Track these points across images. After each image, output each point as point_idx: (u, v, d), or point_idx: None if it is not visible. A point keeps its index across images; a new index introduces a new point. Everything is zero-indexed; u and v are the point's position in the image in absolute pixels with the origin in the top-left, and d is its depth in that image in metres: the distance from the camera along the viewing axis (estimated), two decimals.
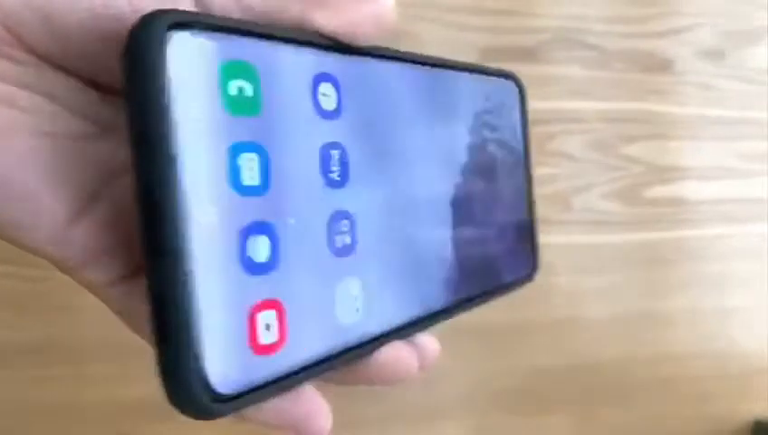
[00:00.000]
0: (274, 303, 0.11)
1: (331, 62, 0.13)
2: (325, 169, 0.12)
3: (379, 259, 0.14)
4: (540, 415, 0.31)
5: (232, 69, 0.11)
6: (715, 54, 0.31)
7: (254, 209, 0.11)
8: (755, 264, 0.32)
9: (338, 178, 0.13)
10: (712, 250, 0.31)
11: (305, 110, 0.12)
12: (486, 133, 0.17)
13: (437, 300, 0.15)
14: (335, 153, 0.12)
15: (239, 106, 0.11)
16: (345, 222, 0.13)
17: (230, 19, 0.11)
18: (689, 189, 0.31)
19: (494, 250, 0.17)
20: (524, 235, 0.18)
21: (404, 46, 0.24)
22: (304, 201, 0.12)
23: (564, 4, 0.29)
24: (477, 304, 0.17)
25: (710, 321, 0.32)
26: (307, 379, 0.12)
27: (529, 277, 0.18)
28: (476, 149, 0.17)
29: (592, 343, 0.31)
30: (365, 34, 0.14)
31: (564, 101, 0.30)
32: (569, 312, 0.31)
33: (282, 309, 0.11)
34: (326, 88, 0.12)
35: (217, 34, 0.11)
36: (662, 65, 0.31)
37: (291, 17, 0.13)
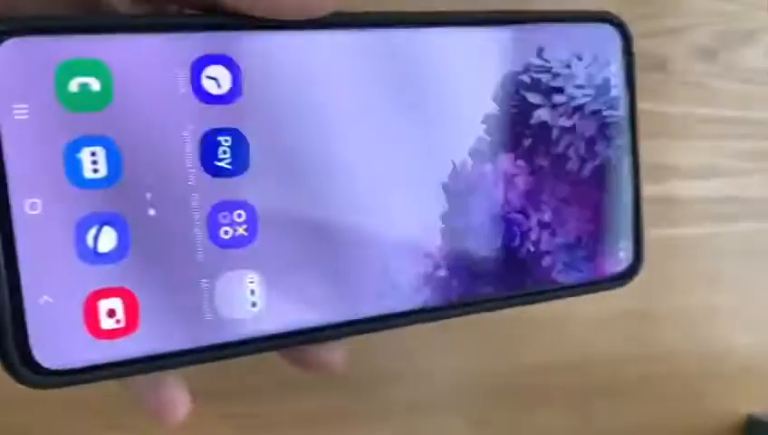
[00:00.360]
0: (121, 291, 0.11)
1: (229, 42, 0.12)
2: (208, 157, 0.12)
3: (295, 254, 0.13)
4: (533, 411, 0.31)
5: (72, 67, 0.11)
6: (708, 54, 0.31)
7: (97, 201, 0.11)
8: (746, 262, 0.32)
9: (229, 167, 0.12)
10: (703, 249, 0.31)
11: (178, 96, 0.12)
12: (532, 97, 0.14)
13: (406, 299, 0.14)
14: (225, 140, 0.12)
15: (82, 102, 0.11)
16: (239, 212, 0.12)
17: (75, 17, 0.11)
18: (680, 188, 0.31)
19: (538, 242, 0.15)
20: (615, 223, 0.16)
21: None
22: (171, 191, 0.11)
23: (560, 4, 0.30)
24: (513, 304, 0.15)
25: (701, 319, 0.33)
26: (170, 367, 0.12)
27: (628, 275, 0.16)
28: (500, 119, 0.14)
29: (584, 341, 0.32)
30: (285, 12, 0.12)
31: None
32: (561, 309, 0.31)
33: (131, 297, 0.11)
34: (215, 71, 0.12)
35: (56, 36, 0.11)
36: (656, 64, 0.31)
37: None
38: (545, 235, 0.15)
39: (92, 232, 0.11)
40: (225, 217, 0.12)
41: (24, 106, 0.10)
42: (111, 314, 0.11)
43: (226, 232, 0.12)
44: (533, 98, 0.15)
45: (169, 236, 0.12)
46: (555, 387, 0.32)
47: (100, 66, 0.11)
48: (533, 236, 0.15)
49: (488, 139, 0.14)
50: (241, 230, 0.12)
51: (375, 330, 0.14)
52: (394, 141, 0.13)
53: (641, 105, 0.32)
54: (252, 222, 0.12)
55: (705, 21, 0.31)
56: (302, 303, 0.13)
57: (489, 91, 0.14)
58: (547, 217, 0.15)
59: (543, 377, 0.31)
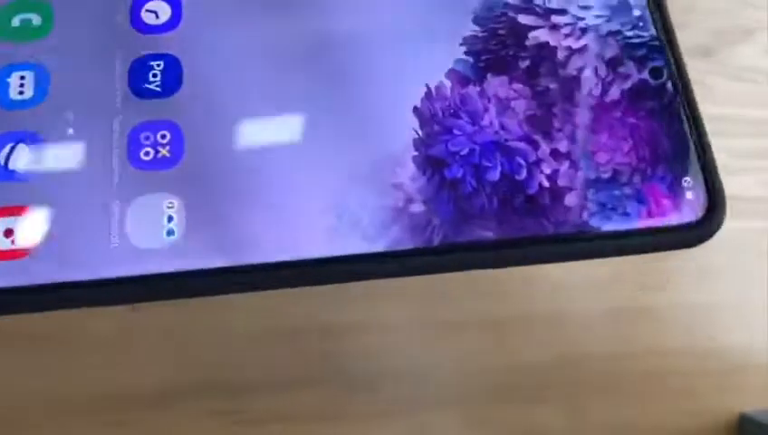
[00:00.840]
0: (22, 209, 0.11)
1: None
2: (137, 80, 0.12)
3: (224, 180, 0.12)
4: (530, 407, 0.31)
5: (16, 7, 0.12)
6: (705, 52, 0.31)
7: (16, 121, 0.11)
8: (740, 260, 0.32)
9: (158, 89, 0.12)
10: (699, 246, 0.31)
11: (114, 26, 0.12)
12: (523, 19, 0.13)
13: (369, 239, 0.12)
14: (158, 64, 0.12)
15: (22, 35, 0.12)
16: (163, 133, 0.12)
17: None
18: None
19: (554, 175, 0.12)
20: (669, 157, 0.13)
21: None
22: (94, 111, 0.12)
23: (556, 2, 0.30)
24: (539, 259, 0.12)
25: (696, 316, 0.33)
26: (67, 304, 0.11)
27: (701, 224, 0.13)
28: (485, 40, 0.13)
29: (580, 337, 0.32)
30: None
31: None
32: (557, 306, 0.31)
33: (32, 218, 0.11)
34: (155, 5, 0.12)
35: None
36: None
37: None
38: (564, 167, 0.12)
39: (6, 149, 0.11)
40: (147, 137, 0.12)
41: None
42: (8, 233, 0.11)
43: (147, 153, 0.12)
44: (525, 19, 0.13)
45: (86, 155, 0.11)
46: (552, 385, 0.32)
47: (42, 4, 0.12)
48: (547, 169, 0.12)
49: (470, 60, 0.13)
50: (164, 152, 0.12)
51: (327, 279, 0.12)
52: (348, 67, 0.13)
53: None
54: (177, 143, 0.12)
55: (702, 18, 0.31)
56: (229, 235, 0.11)
57: (467, 14, 0.13)
58: (564, 146, 0.12)
59: (541, 375, 0.31)
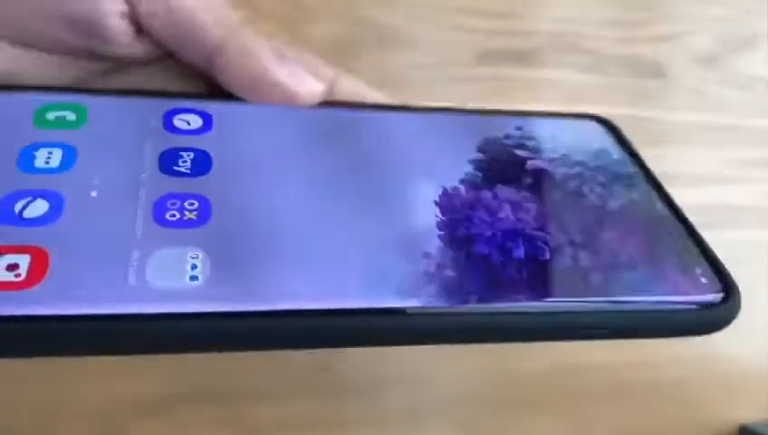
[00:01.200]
0: (32, 249, 0.11)
1: (207, 102, 0.14)
2: (167, 163, 0.13)
3: (253, 236, 0.12)
4: (528, 415, 0.31)
5: (53, 106, 0.13)
6: (709, 61, 0.31)
7: (38, 182, 0.12)
8: (741, 270, 0.32)
9: (187, 172, 0.13)
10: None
11: (148, 128, 0.13)
12: (520, 152, 0.15)
13: (403, 294, 0.12)
14: (188, 154, 0.13)
15: (54, 126, 0.13)
16: (191, 201, 0.12)
17: (54, 87, 0.14)
18: (678, 195, 0.31)
19: (576, 257, 0.13)
20: (674, 253, 0.14)
21: (401, 50, 0.24)
22: (120, 180, 0.12)
23: (560, 8, 0.30)
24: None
25: None
26: (76, 343, 0.10)
27: (723, 304, 0.14)
28: (489, 162, 0.15)
29: (579, 345, 0.31)
30: (262, 99, 0.14)
31: (558, 105, 0.30)
32: None
33: (42, 256, 0.11)
34: (188, 117, 0.14)
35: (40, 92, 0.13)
36: (656, 71, 0.31)
37: (198, 55, 0.14)
38: (583, 253, 0.13)
39: (22, 202, 0.11)
40: (174, 203, 0.12)
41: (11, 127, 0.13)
42: (12, 268, 0.10)
43: (173, 215, 0.12)
44: (522, 152, 0.15)
45: (108, 211, 0.12)
46: (552, 393, 0.32)
47: (78, 105, 0.13)
48: (568, 252, 0.13)
49: (479, 174, 0.14)
50: (190, 215, 0.12)
51: (368, 339, 0.12)
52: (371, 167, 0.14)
53: (639, 111, 0.32)
54: (205, 209, 0.12)
55: (704, 27, 0.31)
56: (255, 280, 0.11)
57: (473, 145, 0.15)
58: (579, 238, 0.13)
59: (540, 383, 0.31)
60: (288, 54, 0.15)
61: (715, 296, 0.14)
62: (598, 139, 0.17)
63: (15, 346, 0.10)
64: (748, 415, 0.33)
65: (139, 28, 0.13)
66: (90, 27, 0.13)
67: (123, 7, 0.13)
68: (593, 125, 0.17)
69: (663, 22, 0.31)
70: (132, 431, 0.28)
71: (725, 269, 0.14)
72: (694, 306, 0.13)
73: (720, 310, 0.14)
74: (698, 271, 0.14)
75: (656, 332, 0.13)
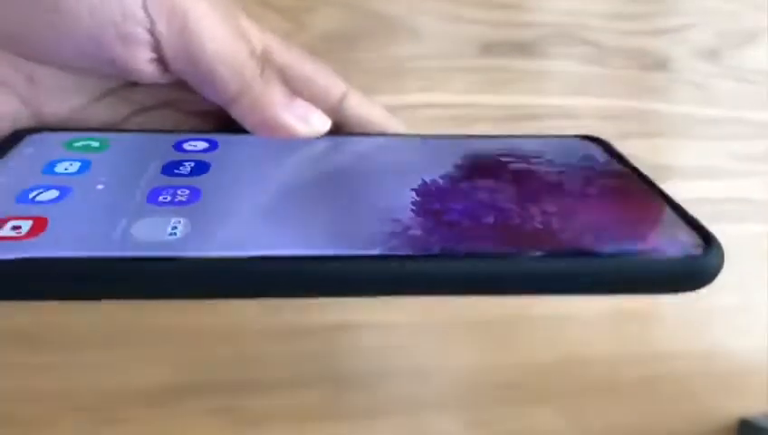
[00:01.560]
0: (34, 217, 0.13)
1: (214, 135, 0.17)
2: (169, 169, 0.15)
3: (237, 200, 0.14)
4: (530, 409, 0.31)
5: (81, 138, 0.16)
6: (711, 54, 0.31)
7: (55, 181, 0.14)
8: (743, 264, 0.32)
9: (186, 173, 0.15)
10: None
11: (158, 149, 0.16)
12: (503, 158, 0.16)
13: (368, 245, 0.13)
14: (189, 163, 0.15)
15: (79, 150, 0.16)
16: (183, 190, 0.14)
17: (85, 129, 0.17)
18: (680, 188, 0.31)
19: (548, 222, 0.14)
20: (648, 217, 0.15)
21: (403, 40, 0.24)
22: (124, 181, 0.14)
23: (563, 0, 0.29)
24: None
25: (698, 319, 0.33)
26: (69, 283, 0.12)
27: (702, 259, 0.14)
28: (470, 164, 0.16)
29: (582, 340, 0.32)
30: (277, 134, 0.17)
31: (560, 98, 0.30)
32: (559, 308, 0.31)
33: (42, 220, 0.13)
34: (195, 143, 0.16)
35: (70, 132, 0.16)
36: (658, 63, 0.31)
37: (225, 97, 0.16)
38: (555, 218, 0.14)
39: (36, 191, 0.14)
40: (167, 190, 0.14)
41: (45, 150, 0.15)
42: (16, 228, 0.12)
43: (165, 198, 0.14)
44: (506, 158, 0.16)
45: (107, 194, 0.14)
46: (552, 386, 0.32)
47: (102, 138, 0.16)
48: (539, 218, 0.14)
49: (459, 173, 0.15)
50: (181, 198, 0.14)
51: (334, 284, 0.12)
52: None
53: (642, 104, 0.32)
54: (195, 194, 0.14)
55: (707, 20, 0.31)
56: (229, 235, 0.13)
57: (458, 157, 0.16)
58: (553, 208, 0.14)
59: (541, 376, 0.31)
60: (307, 68, 0.18)
61: (696, 249, 0.14)
62: (586, 150, 0.17)
63: (12, 287, 0.12)
64: (749, 409, 0.33)
65: (166, 67, 0.16)
66: (126, 69, 0.16)
67: (154, 55, 0.15)
68: (584, 143, 0.18)
69: (666, 14, 0.31)
70: (131, 421, 0.28)
71: (705, 227, 0.14)
72: (674, 258, 0.14)
73: (701, 261, 0.14)
74: (677, 231, 0.14)
75: (636, 284, 0.13)
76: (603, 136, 0.32)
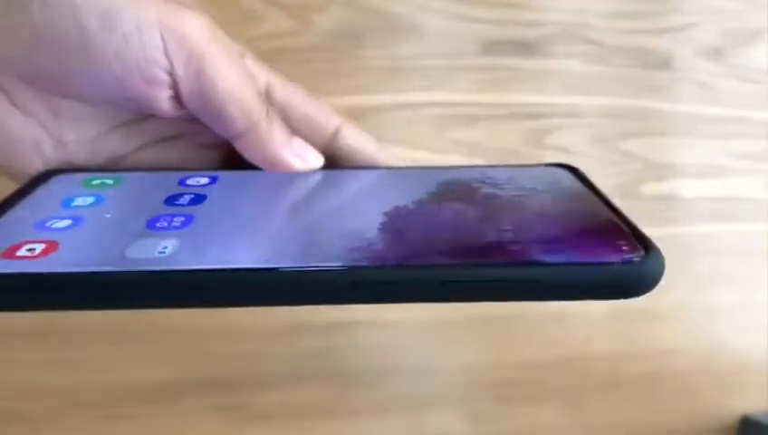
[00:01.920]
0: (47, 241, 0.15)
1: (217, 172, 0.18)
2: (170, 200, 0.17)
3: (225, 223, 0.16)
4: (531, 406, 0.32)
5: (91, 179, 0.18)
6: (714, 53, 0.31)
7: (69, 213, 0.16)
8: (745, 262, 0.32)
9: (184, 203, 0.17)
10: (703, 247, 0.31)
11: (164, 185, 0.18)
12: (472, 183, 0.18)
13: (334, 258, 0.14)
14: (189, 195, 0.17)
15: (95, 187, 0.17)
16: (180, 219, 0.16)
17: (98, 168, 0.19)
18: (682, 187, 0.31)
19: (502, 240, 0.15)
20: (596, 224, 0.16)
21: (407, 39, 0.25)
22: (131, 213, 0.16)
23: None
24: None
25: (699, 317, 0.33)
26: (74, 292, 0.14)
27: (644, 263, 0.14)
28: (443, 191, 0.18)
29: (582, 337, 0.32)
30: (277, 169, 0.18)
31: (563, 96, 0.30)
32: (560, 305, 0.31)
33: (54, 244, 0.15)
34: (197, 179, 0.18)
35: (87, 173, 0.18)
36: (662, 62, 0.31)
37: (232, 134, 0.18)
38: (509, 234, 0.15)
39: (52, 221, 0.16)
40: (165, 218, 0.16)
41: (63, 187, 0.17)
42: (30, 250, 0.14)
43: (162, 224, 0.16)
44: (475, 184, 0.18)
45: (112, 227, 0.16)
46: (553, 384, 0.32)
47: (116, 177, 0.18)
48: (493, 234, 0.15)
49: (430, 198, 0.17)
50: (176, 223, 0.16)
51: (301, 292, 0.14)
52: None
53: (644, 103, 0.32)
54: (188, 220, 0.16)
55: (711, 19, 0.31)
56: (210, 251, 0.14)
57: (433, 185, 0.18)
58: (508, 226, 0.15)
59: (542, 374, 0.31)
60: (305, 105, 0.19)
61: (636, 257, 0.15)
62: (555, 176, 0.18)
63: (21, 296, 0.14)
64: (750, 406, 0.33)
65: (181, 104, 0.17)
66: (145, 106, 0.17)
67: (171, 93, 0.17)
68: (558, 170, 0.19)
69: (669, 13, 0.31)
70: (135, 417, 0.28)
71: (648, 237, 0.15)
72: (613, 264, 0.14)
73: (640, 268, 0.15)
74: (620, 241, 0.15)
75: (577, 290, 0.14)
76: (607, 135, 0.32)
